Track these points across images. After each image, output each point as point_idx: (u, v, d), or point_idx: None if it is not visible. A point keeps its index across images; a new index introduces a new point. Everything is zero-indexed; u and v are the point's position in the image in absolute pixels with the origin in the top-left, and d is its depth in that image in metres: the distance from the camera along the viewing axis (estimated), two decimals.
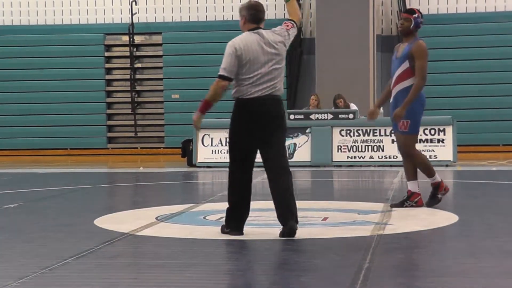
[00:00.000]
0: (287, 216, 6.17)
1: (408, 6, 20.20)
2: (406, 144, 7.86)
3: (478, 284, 4.63)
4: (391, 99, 7.97)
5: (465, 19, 19.89)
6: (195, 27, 20.20)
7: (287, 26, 6.40)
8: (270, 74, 6.20)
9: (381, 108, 8.36)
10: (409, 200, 7.94)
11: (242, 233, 6.29)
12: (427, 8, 20.45)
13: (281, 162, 6.27)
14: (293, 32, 6.43)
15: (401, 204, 7.97)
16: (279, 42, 6.28)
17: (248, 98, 6.19)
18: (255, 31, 6.25)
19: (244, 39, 6.21)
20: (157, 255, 5.73)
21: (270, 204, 8.30)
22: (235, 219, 6.33)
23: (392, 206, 8.02)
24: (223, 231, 6.36)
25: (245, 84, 6.19)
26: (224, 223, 6.42)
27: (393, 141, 14.66)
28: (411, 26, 7.82)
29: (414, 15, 7.86)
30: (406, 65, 7.76)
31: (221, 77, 6.20)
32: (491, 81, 19.26)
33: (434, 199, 8.02)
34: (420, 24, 7.87)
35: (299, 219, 6.26)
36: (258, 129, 6.21)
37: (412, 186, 7.97)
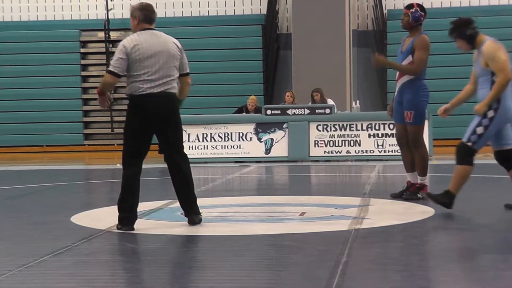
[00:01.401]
0: (189, 210, 6.54)
1: (383, 1, 20.31)
2: (412, 134, 8.10)
3: (455, 278, 4.67)
4: (396, 92, 8.18)
5: (439, 14, 20.00)
6: (171, 22, 20.14)
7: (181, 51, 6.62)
8: (162, 72, 6.40)
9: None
10: (409, 191, 8.12)
11: (133, 228, 6.40)
12: (403, 3, 20.52)
13: (175, 157, 6.55)
14: (183, 61, 6.63)
15: (399, 194, 8.16)
16: (173, 42, 6.52)
17: (140, 95, 6.40)
18: (148, 30, 6.48)
19: (136, 38, 6.43)
20: (135, 251, 5.71)
21: (248, 199, 8.31)
22: (126, 211, 6.47)
23: (393, 196, 8.21)
24: (117, 228, 6.48)
25: (137, 80, 6.39)
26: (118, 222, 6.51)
27: (371, 136, 14.73)
28: (410, 20, 8.02)
29: (411, 10, 8.06)
30: (409, 59, 8.00)
31: (109, 72, 6.49)
32: (465, 75, 19.34)
33: (414, 195, 8.10)
34: (421, 18, 8.08)
35: (276, 214, 6.29)
36: (148, 126, 6.41)
37: (412, 177, 8.18)
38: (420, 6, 8.15)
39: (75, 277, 4.85)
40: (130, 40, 6.42)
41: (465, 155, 7.14)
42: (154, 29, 6.53)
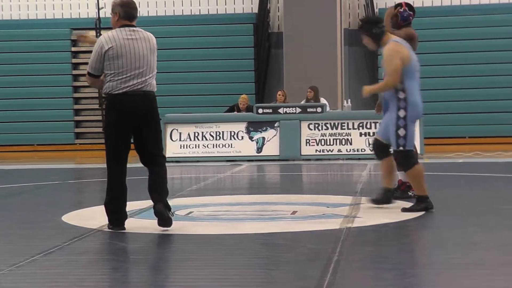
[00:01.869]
0: (160, 212, 6.29)
1: (374, 0, 20.33)
2: None
3: (446, 276, 4.68)
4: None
5: (430, 13, 20.03)
6: (162, 21, 20.11)
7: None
8: (138, 70, 6.30)
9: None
10: (412, 190, 8.03)
11: (124, 228, 6.35)
12: (394, 1, 20.55)
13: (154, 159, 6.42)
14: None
15: (401, 194, 8.15)
16: (151, 39, 6.43)
17: (116, 94, 6.31)
18: (127, 27, 6.38)
19: (112, 35, 6.34)
20: (126, 250, 5.70)
21: (240, 198, 8.31)
22: (115, 213, 6.40)
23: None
24: (108, 227, 6.42)
25: (114, 79, 6.29)
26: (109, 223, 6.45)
27: (362, 134, 14.76)
28: (398, 20, 8.01)
29: (399, 9, 8.05)
30: None
31: (88, 74, 6.46)
32: (456, 74, 19.45)
33: (405, 194, 8.09)
34: (410, 17, 8.06)
35: (268, 213, 6.28)
36: (126, 125, 6.31)
37: (403, 176, 8.14)
38: (408, 5, 8.13)
39: (66, 277, 4.84)
40: (107, 37, 6.32)
41: (406, 159, 7.21)
42: (135, 26, 6.41)
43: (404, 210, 7.16)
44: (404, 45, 7.27)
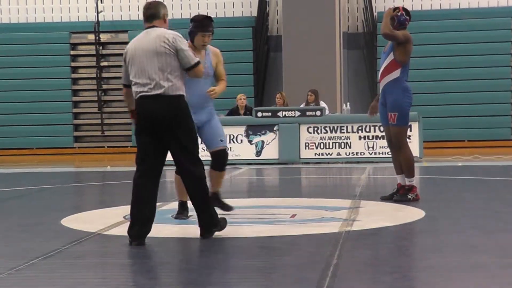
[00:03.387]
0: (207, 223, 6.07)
1: (373, 3, 20.35)
2: (395, 135, 8.14)
3: (445, 279, 4.68)
4: (380, 92, 8.25)
5: (430, 16, 20.07)
6: None
7: (184, 45, 6.03)
8: (150, 73, 5.96)
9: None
10: (411, 193, 8.13)
11: (143, 243, 5.91)
12: (393, 5, 20.55)
13: (188, 167, 6.06)
14: (181, 55, 6.00)
15: (390, 197, 8.20)
16: (162, 39, 5.98)
17: (137, 99, 6.03)
18: (145, 31, 6.15)
19: (132, 41, 6.18)
20: (125, 254, 5.70)
21: (239, 202, 8.31)
22: (135, 222, 5.97)
23: (384, 199, 8.21)
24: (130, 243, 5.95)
25: (133, 84, 6.06)
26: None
27: (361, 138, 14.77)
28: (395, 23, 8.11)
29: (396, 13, 8.15)
30: (391, 57, 8.10)
31: (123, 85, 6.22)
32: (456, 78, 19.47)
33: (404, 197, 8.12)
34: (406, 21, 8.15)
35: (267, 216, 6.27)
36: (149, 131, 5.97)
37: (402, 179, 8.21)
38: (405, 10, 8.23)
39: (65, 280, 4.84)
40: (128, 45, 6.18)
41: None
42: (154, 27, 6.08)
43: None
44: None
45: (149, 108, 5.95)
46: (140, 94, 6.00)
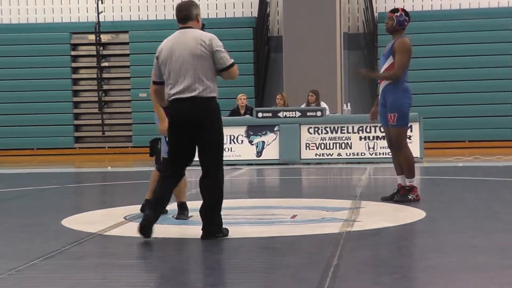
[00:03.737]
0: (207, 228, 6.12)
1: (374, 4, 20.35)
2: (395, 136, 8.15)
3: (445, 279, 4.68)
4: (379, 94, 8.27)
5: (430, 17, 20.07)
6: (162, 25, 20.12)
7: (220, 46, 6.06)
8: (184, 75, 6.00)
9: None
10: (411, 193, 8.14)
11: (149, 232, 6.04)
12: (393, 6, 20.58)
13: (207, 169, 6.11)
14: (217, 56, 6.04)
15: (391, 197, 8.20)
16: (197, 40, 6.01)
17: (169, 101, 6.11)
18: (177, 31, 6.15)
19: (165, 41, 6.17)
20: (126, 255, 5.70)
21: (240, 202, 8.30)
22: (149, 211, 6.12)
23: (384, 199, 8.22)
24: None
25: (166, 86, 6.13)
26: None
27: (362, 138, 14.78)
28: (394, 24, 8.16)
29: (396, 14, 8.20)
30: (390, 60, 8.11)
31: (153, 82, 6.26)
32: (456, 78, 19.47)
33: (405, 198, 8.12)
34: (405, 22, 8.19)
35: (267, 216, 6.28)
36: (179, 132, 6.07)
37: (402, 180, 8.21)
38: (404, 11, 8.28)
39: (66, 281, 4.84)
40: (162, 43, 6.17)
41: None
42: (188, 27, 6.08)
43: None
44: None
45: (181, 109, 6.03)
46: (174, 97, 6.06)
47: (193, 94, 5.98)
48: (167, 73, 6.07)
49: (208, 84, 6.01)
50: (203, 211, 6.14)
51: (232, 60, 6.10)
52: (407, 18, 8.21)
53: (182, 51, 6.01)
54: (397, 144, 8.17)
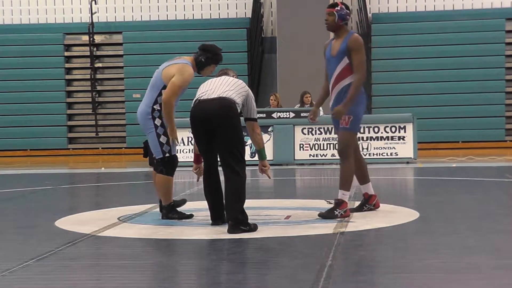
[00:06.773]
0: (228, 216, 6.46)
1: (368, 5, 20.38)
2: (344, 141, 7.29)
3: (439, 280, 4.69)
4: (332, 101, 7.56)
5: (424, 17, 20.11)
6: (156, 26, 20.12)
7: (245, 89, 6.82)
8: (216, 88, 6.69)
9: (320, 108, 8.13)
10: (368, 204, 7.65)
11: (216, 223, 6.73)
12: (387, 6, 20.62)
13: (223, 168, 6.51)
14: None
15: (359, 208, 7.65)
16: (245, 90, 6.81)
17: (194, 103, 6.74)
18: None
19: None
20: (120, 256, 5.69)
21: None
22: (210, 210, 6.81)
23: (352, 211, 7.55)
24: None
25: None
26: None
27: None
28: (336, 19, 7.51)
29: (336, 8, 7.50)
30: (345, 62, 7.42)
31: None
32: (450, 79, 19.51)
33: (331, 214, 7.18)
34: (347, 16, 7.48)
35: (261, 217, 6.30)
36: (199, 131, 6.65)
37: (367, 188, 7.69)
38: (344, 4, 7.56)
39: (59, 282, 4.83)
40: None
41: (170, 167, 7.35)
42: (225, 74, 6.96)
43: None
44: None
45: (202, 107, 6.50)
46: (198, 98, 6.63)
47: (214, 96, 6.52)
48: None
49: (233, 96, 6.56)
50: (223, 201, 6.58)
51: (257, 116, 6.86)
52: (348, 11, 7.52)
53: (226, 80, 6.79)
54: (344, 148, 7.26)
